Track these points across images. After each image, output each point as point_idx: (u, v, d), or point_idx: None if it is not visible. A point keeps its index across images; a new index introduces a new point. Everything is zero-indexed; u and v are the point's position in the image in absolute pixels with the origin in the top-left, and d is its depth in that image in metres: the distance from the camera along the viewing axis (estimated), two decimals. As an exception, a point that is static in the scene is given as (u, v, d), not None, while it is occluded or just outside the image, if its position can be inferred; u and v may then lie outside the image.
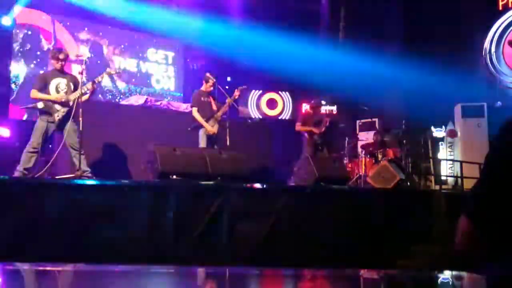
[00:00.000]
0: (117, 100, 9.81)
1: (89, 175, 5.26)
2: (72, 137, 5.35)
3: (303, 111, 10.18)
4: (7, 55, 8.65)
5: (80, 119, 5.20)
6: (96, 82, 5.54)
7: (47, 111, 5.32)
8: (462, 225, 1.46)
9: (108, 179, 5.25)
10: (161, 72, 10.81)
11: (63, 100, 5.36)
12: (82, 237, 3.62)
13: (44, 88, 5.40)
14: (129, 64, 10.33)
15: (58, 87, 5.45)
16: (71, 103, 5.38)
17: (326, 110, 10.87)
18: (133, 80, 10.37)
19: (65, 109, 5.37)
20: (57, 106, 5.36)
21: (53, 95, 5.38)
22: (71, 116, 5.36)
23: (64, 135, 5.34)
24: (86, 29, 9.78)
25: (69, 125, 5.33)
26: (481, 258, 1.45)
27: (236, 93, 6.63)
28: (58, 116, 5.34)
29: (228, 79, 10.88)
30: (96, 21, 9.70)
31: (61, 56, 5.49)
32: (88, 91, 5.45)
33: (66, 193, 3.87)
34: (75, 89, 5.49)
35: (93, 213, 3.77)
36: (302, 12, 11.21)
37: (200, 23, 10.53)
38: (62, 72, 5.57)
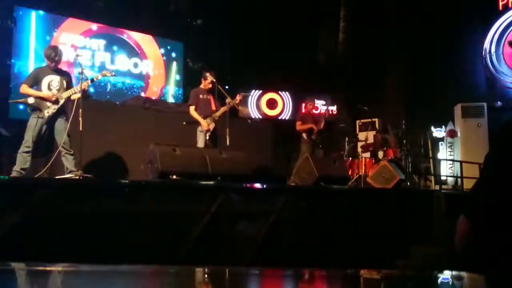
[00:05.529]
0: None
1: (76, 177, 5.12)
2: (61, 135, 5.29)
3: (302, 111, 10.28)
4: (7, 55, 8.64)
5: (80, 119, 5.18)
6: (90, 83, 5.51)
7: (37, 107, 5.26)
8: (461, 226, 1.46)
9: (107, 179, 5.25)
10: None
11: (53, 99, 5.29)
12: (81, 238, 3.62)
13: (35, 85, 5.34)
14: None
15: (50, 84, 5.38)
16: (61, 101, 5.33)
17: (326, 110, 10.90)
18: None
19: (56, 106, 5.31)
20: (48, 103, 5.29)
21: (44, 92, 5.32)
22: (61, 114, 5.34)
23: (54, 133, 5.32)
24: (84, 28, 9.78)
25: (58, 123, 5.32)
26: (480, 258, 1.45)
27: (238, 97, 6.63)
28: (48, 112, 5.27)
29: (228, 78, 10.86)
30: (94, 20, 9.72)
31: (55, 54, 5.41)
32: (78, 92, 5.37)
33: (66, 193, 3.87)
34: (68, 87, 5.44)
35: (93, 213, 3.77)
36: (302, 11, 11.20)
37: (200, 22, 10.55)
38: (55, 70, 5.49)
